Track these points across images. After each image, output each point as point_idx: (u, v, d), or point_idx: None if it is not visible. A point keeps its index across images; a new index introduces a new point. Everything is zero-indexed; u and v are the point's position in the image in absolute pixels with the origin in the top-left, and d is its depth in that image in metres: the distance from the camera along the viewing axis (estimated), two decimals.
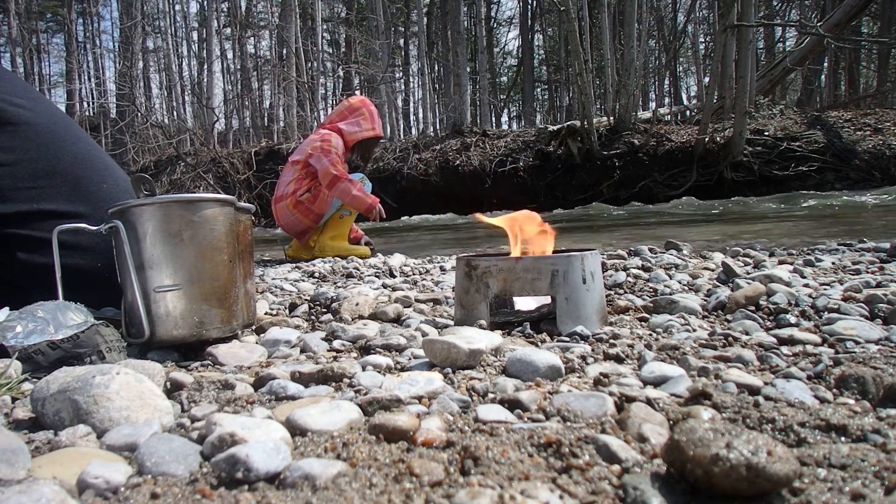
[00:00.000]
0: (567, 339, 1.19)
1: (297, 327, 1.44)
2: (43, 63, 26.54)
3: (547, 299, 1.31)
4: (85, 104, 24.35)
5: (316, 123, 14.55)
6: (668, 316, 1.34)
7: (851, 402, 0.76)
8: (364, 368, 1.00)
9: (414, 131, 23.38)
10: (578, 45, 10.74)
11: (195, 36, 25.51)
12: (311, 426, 0.69)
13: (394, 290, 2.02)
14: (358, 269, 2.78)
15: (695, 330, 1.23)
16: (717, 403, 0.74)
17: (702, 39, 23.99)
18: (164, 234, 1.14)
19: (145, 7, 22.90)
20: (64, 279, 1.18)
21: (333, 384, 0.91)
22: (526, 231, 1.43)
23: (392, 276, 2.60)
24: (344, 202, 3.64)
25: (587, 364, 0.99)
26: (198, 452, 0.63)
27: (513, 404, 0.78)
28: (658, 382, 0.87)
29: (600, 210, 9.61)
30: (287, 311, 1.74)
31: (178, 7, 24.37)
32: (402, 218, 10.11)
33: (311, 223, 3.70)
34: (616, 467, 0.58)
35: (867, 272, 1.81)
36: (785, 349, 1.04)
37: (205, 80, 20.96)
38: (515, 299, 1.33)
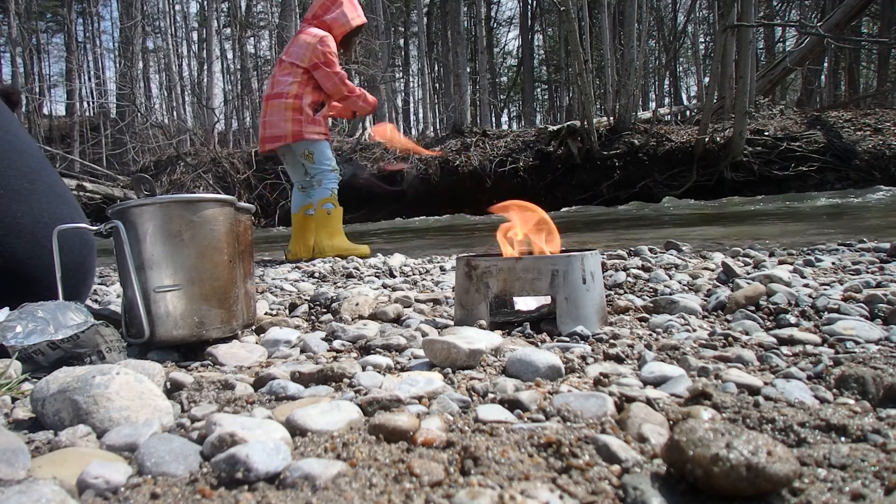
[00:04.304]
0: (567, 339, 1.19)
1: (297, 327, 1.44)
2: (43, 63, 26.58)
3: (547, 299, 1.31)
4: (85, 104, 24.36)
5: None
6: (668, 316, 1.34)
7: (851, 402, 0.76)
8: (364, 368, 1.00)
9: (414, 131, 23.37)
10: (578, 45, 10.74)
11: (195, 36, 25.54)
12: (311, 426, 0.69)
13: (394, 290, 2.02)
14: (358, 269, 2.78)
15: (695, 330, 1.23)
16: (717, 403, 0.74)
17: (702, 39, 24.00)
18: (164, 235, 1.14)
19: (145, 7, 22.92)
20: None
21: (333, 384, 0.91)
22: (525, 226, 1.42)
23: (392, 276, 2.60)
24: (354, 110, 3.89)
25: (587, 364, 0.99)
26: (198, 452, 0.63)
27: (513, 404, 0.78)
28: (658, 382, 0.87)
29: (597, 210, 9.60)
30: (287, 311, 1.74)
31: (178, 7, 24.42)
32: (402, 218, 10.11)
33: (289, 135, 3.66)
34: (616, 467, 0.58)
35: (867, 272, 1.81)
36: (785, 349, 1.04)
37: (205, 80, 20.98)
38: (515, 299, 1.33)
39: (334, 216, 3.79)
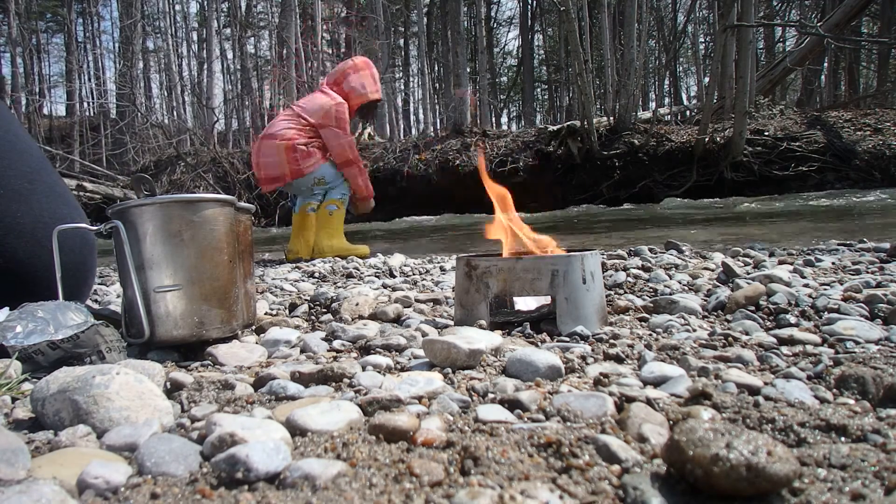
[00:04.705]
0: (567, 339, 1.19)
1: (297, 327, 1.44)
2: (43, 63, 26.57)
3: (547, 299, 1.31)
4: (85, 104, 24.35)
5: None
6: (668, 316, 1.34)
7: (851, 402, 0.76)
8: (364, 368, 1.00)
9: (414, 131, 23.38)
10: (578, 45, 10.73)
11: (195, 36, 25.53)
12: (311, 426, 0.69)
13: (394, 290, 2.02)
14: (358, 269, 2.78)
15: (695, 330, 1.23)
16: (717, 403, 0.74)
17: (702, 39, 23.97)
18: (164, 235, 1.14)
19: (145, 7, 22.93)
20: None
21: (333, 384, 0.91)
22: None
23: (392, 276, 2.60)
24: (349, 183, 3.82)
25: (587, 364, 0.99)
26: (198, 452, 0.63)
27: (513, 404, 0.78)
28: (658, 382, 0.87)
29: (598, 210, 9.60)
30: (287, 311, 1.74)
31: (178, 7, 24.41)
32: (402, 218, 10.10)
33: (287, 174, 3.66)
34: (616, 467, 0.58)
35: (867, 272, 1.81)
36: (785, 349, 1.04)
37: (205, 80, 20.99)
38: (515, 299, 1.33)
39: (336, 217, 3.80)
